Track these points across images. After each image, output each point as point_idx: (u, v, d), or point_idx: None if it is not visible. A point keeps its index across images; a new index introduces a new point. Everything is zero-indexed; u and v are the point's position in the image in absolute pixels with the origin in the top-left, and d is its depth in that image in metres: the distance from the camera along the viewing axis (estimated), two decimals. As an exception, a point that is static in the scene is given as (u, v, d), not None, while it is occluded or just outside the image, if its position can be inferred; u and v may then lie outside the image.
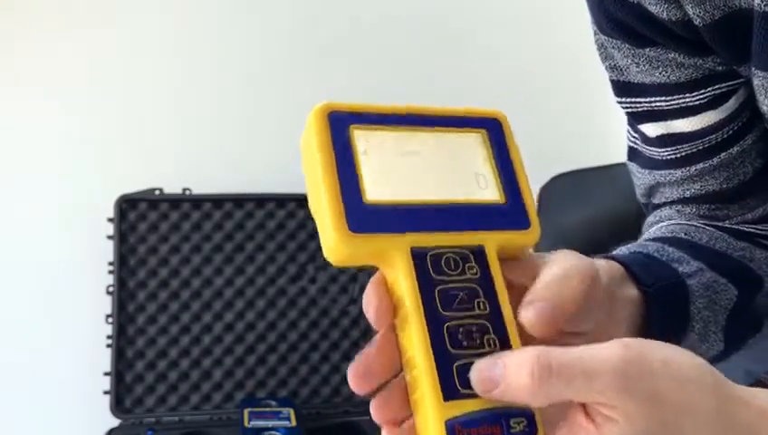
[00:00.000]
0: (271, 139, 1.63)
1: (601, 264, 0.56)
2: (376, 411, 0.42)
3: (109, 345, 1.47)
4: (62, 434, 1.52)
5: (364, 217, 0.42)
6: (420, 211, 0.44)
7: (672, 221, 0.74)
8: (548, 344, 0.40)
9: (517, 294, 0.44)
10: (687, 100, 0.68)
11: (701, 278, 0.64)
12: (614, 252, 0.64)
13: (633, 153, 0.77)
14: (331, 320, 1.56)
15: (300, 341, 1.55)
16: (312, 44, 1.66)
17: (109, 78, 1.59)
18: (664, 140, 0.71)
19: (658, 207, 0.77)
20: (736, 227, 0.72)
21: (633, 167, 0.77)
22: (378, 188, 0.43)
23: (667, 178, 0.73)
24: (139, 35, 1.61)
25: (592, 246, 0.68)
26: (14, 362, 1.51)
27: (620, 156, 0.81)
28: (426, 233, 0.43)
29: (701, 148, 0.70)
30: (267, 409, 1.43)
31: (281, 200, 1.57)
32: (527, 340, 0.43)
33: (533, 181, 0.49)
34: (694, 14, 0.62)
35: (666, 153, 0.72)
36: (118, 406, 1.46)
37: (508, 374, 0.38)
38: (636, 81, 0.70)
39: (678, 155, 0.71)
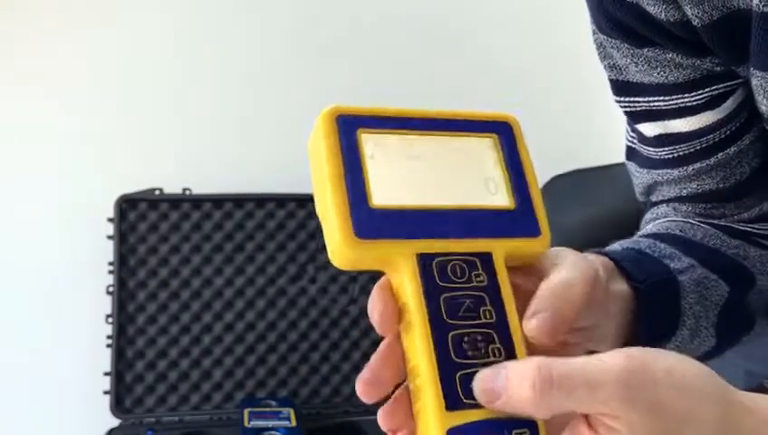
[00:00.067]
0: (271, 139, 1.64)
1: (595, 259, 0.56)
2: (383, 419, 0.42)
3: (109, 345, 1.47)
4: (61, 434, 1.52)
5: (370, 221, 0.42)
6: (428, 217, 0.43)
7: (668, 218, 0.74)
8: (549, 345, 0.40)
9: (522, 298, 0.44)
10: (685, 100, 0.68)
11: (692, 274, 0.64)
12: (607, 248, 0.64)
13: (631, 153, 0.77)
14: (331, 320, 1.56)
15: (300, 341, 1.55)
16: (312, 44, 1.66)
17: (109, 78, 1.59)
18: (662, 140, 0.71)
19: (656, 204, 0.77)
20: (732, 225, 0.72)
21: (631, 166, 0.78)
22: (385, 193, 0.43)
23: (665, 178, 0.73)
24: (139, 35, 1.61)
25: (592, 246, 0.68)
26: (14, 362, 1.51)
27: (620, 156, 0.81)
28: (432, 239, 0.43)
29: (698, 148, 0.70)
30: (267, 409, 1.43)
31: (281, 200, 1.57)
32: (532, 346, 0.42)
33: (534, 181, 0.49)
34: (692, 14, 0.62)
35: (663, 153, 0.72)
36: (118, 406, 1.46)
37: (510, 386, 0.38)
38: (634, 80, 0.70)
39: (676, 154, 0.71)
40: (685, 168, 0.71)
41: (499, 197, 0.46)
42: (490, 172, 0.46)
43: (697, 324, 0.64)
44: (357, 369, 1.54)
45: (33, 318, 1.53)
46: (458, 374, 0.40)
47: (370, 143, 0.44)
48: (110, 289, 1.48)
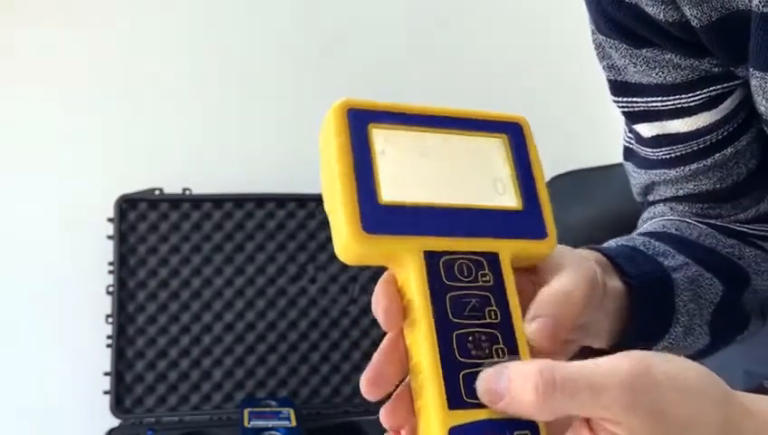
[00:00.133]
0: (271, 139, 1.64)
1: (590, 255, 0.56)
2: (385, 417, 0.41)
3: (109, 345, 1.47)
4: (61, 434, 1.52)
5: (378, 217, 0.42)
6: (436, 214, 0.43)
7: (664, 217, 0.75)
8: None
9: (524, 298, 0.44)
10: (683, 100, 0.68)
11: (686, 272, 0.64)
12: (602, 245, 0.64)
13: (629, 153, 0.77)
14: (331, 320, 1.56)
15: (300, 341, 1.55)
16: (312, 44, 1.66)
17: (109, 78, 1.59)
18: (659, 141, 0.71)
19: (653, 204, 0.77)
20: (728, 225, 0.72)
21: (629, 166, 0.78)
22: (394, 189, 0.43)
23: (662, 178, 0.73)
24: (139, 35, 1.61)
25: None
26: (15, 361, 1.51)
27: (620, 156, 0.81)
28: (440, 237, 0.43)
29: (695, 148, 0.70)
30: (267, 409, 1.43)
31: (281, 200, 1.57)
32: (533, 347, 0.42)
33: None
34: (691, 15, 0.62)
35: (660, 153, 0.72)
36: (118, 406, 1.46)
37: (513, 388, 0.38)
38: (633, 81, 0.70)
39: (673, 155, 0.71)
40: (682, 168, 0.71)
41: (507, 197, 0.46)
42: (499, 172, 0.46)
43: (691, 322, 0.64)
44: (357, 369, 1.54)
45: (33, 318, 1.53)
46: (462, 374, 0.40)
47: (381, 139, 0.44)
48: (110, 289, 1.48)
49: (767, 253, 0.72)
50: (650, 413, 0.37)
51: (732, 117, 0.69)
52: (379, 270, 0.44)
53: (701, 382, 0.39)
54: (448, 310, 0.41)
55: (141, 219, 1.52)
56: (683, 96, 0.68)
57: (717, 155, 0.70)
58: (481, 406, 0.39)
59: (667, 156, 0.71)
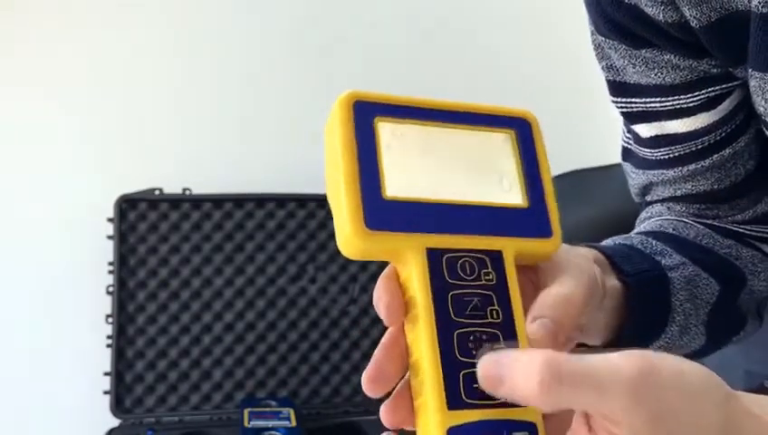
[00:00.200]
0: (271, 139, 1.64)
1: (588, 253, 0.56)
2: (386, 416, 0.41)
3: (109, 345, 1.47)
4: (62, 434, 1.52)
5: (382, 213, 0.41)
6: (440, 211, 0.42)
7: (662, 217, 0.75)
8: None
9: (524, 298, 0.43)
10: (682, 101, 0.68)
11: (683, 271, 0.64)
12: (600, 243, 0.64)
13: (627, 153, 0.77)
14: (331, 320, 1.56)
15: (300, 341, 1.55)
16: (312, 44, 1.66)
17: (109, 78, 1.59)
18: (657, 141, 0.71)
19: (651, 204, 0.77)
20: (725, 225, 0.72)
21: (627, 167, 0.78)
22: (398, 185, 0.42)
23: (660, 178, 0.73)
24: (139, 35, 1.61)
25: (591, 246, 0.68)
26: (14, 362, 1.51)
27: (619, 156, 0.81)
28: (443, 234, 0.42)
29: (694, 149, 0.70)
30: (267, 409, 1.43)
31: (281, 200, 1.57)
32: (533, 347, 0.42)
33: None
34: (690, 15, 0.62)
35: (659, 154, 0.72)
36: (118, 406, 1.46)
37: (516, 377, 0.37)
38: (631, 81, 0.70)
39: (671, 155, 0.71)
40: (680, 168, 0.71)
41: (513, 194, 0.45)
42: (505, 169, 0.45)
43: (687, 322, 0.64)
44: (357, 369, 1.54)
45: (33, 318, 1.53)
46: (462, 373, 0.39)
47: (387, 132, 0.43)
48: (110, 289, 1.48)
49: (764, 254, 0.72)
50: (652, 415, 0.37)
51: (730, 118, 0.69)
52: (379, 271, 0.44)
53: (702, 383, 0.39)
54: (450, 308, 0.40)
55: (141, 219, 1.52)
56: (682, 97, 0.68)
57: (716, 156, 0.70)
58: (480, 406, 0.39)
59: (666, 156, 0.71)
